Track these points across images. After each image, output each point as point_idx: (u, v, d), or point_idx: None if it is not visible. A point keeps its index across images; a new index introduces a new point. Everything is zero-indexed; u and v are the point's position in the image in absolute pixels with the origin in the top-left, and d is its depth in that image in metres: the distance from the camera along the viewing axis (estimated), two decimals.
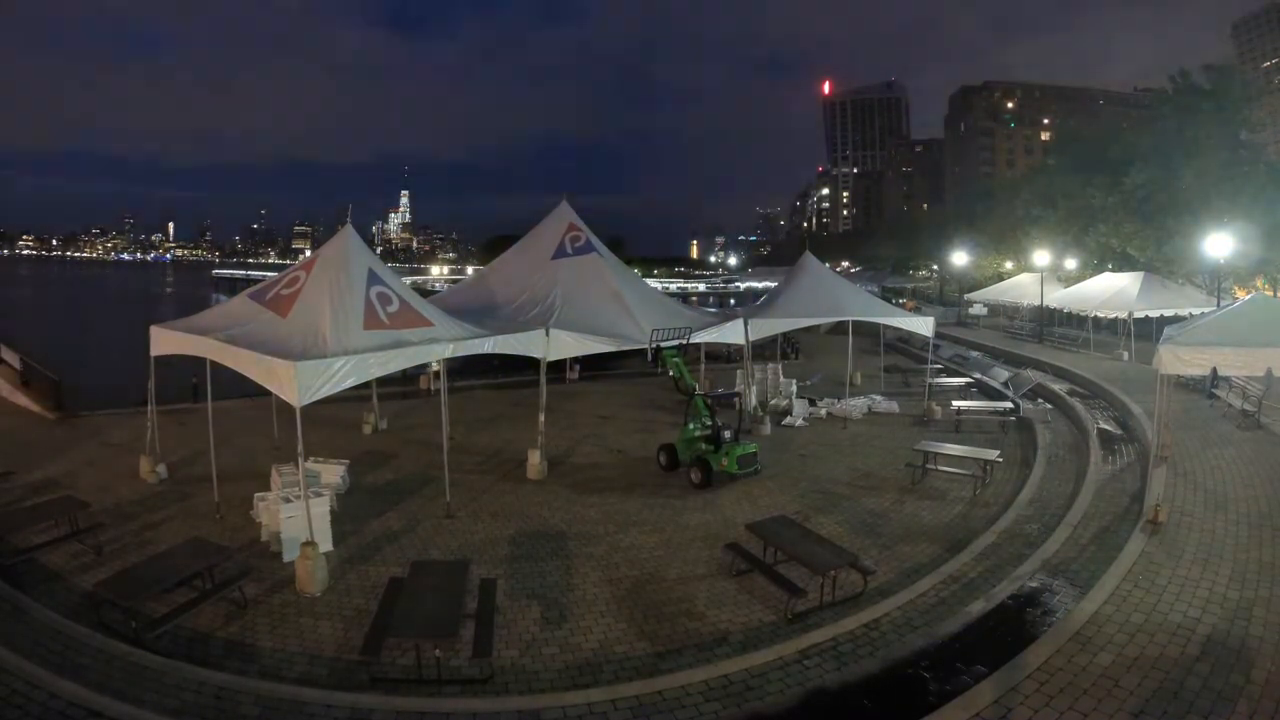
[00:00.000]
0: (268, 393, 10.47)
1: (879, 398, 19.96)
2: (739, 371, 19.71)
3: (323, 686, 6.65)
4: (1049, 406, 19.29)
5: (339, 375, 9.46)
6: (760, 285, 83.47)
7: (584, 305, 14.95)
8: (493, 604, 7.72)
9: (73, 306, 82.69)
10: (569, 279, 15.68)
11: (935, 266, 57.58)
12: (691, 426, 13.32)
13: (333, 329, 10.19)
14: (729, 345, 20.87)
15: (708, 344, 19.00)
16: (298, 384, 8.96)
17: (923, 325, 21.41)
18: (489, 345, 12.41)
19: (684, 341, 14.62)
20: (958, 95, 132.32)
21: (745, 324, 17.54)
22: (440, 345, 11.11)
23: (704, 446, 12.95)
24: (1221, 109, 29.92)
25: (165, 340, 12.13)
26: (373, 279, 11.30)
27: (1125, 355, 25.76)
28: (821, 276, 21.46)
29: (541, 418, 13.46)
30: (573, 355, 15.86)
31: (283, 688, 6.55)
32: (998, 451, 13.66)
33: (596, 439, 16.01)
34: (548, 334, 13.15)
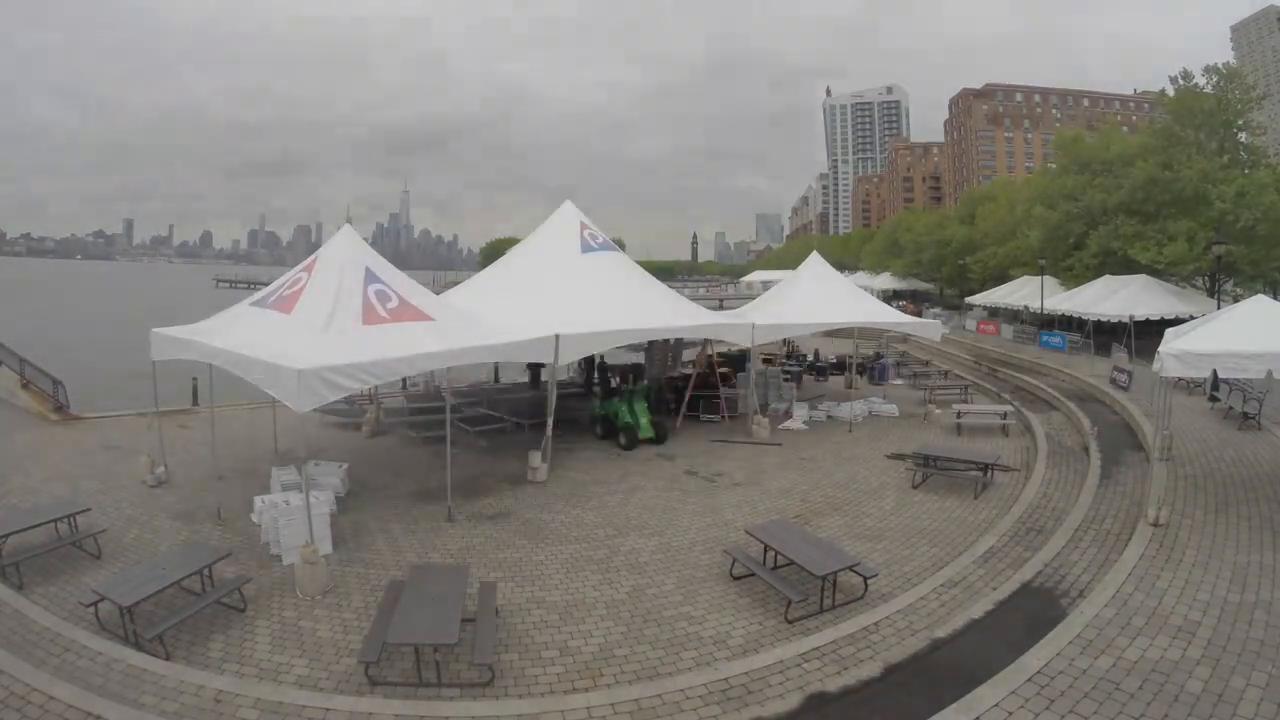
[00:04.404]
0: (267, 395, 10.47)
1: (879, 400, 19.94)
2: (741, 374, 19.70)
3: (322, 690, 6.65)
4: (1049, 409, 19.27)
5: (341, 383, 9.45)
6: (762, 281, 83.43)
7: (614, 300, 15.13)
8: (493, 607, 7.71)
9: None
10: (603, 273, 15.81)
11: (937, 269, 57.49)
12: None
13: (334, 326, 10.25)
14: (732, 347, 20.88)
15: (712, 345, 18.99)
16: (300, 390, 8.96)
17: (931, 329, 21.41)
18: (495, 355, 12.30)
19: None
20: (957, 98, 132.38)
21: (752, 327, 17.53)
22: (442, 355, 11.13)
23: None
24: (1222, 111, 29.94)
25: (167, 344, 12.13)
26: (370, 277, 11.34)
27: (1126, 358, 25.74)
28: (826, 279, 21.38)
29: (549, 421, 13.46)
30: (582, 356, 15.85)
31: (282, 690, 6.56)
32: (998, 454, 13.68)
33: (598, 441, 16.00)
34: (557, 340, 13.07)
